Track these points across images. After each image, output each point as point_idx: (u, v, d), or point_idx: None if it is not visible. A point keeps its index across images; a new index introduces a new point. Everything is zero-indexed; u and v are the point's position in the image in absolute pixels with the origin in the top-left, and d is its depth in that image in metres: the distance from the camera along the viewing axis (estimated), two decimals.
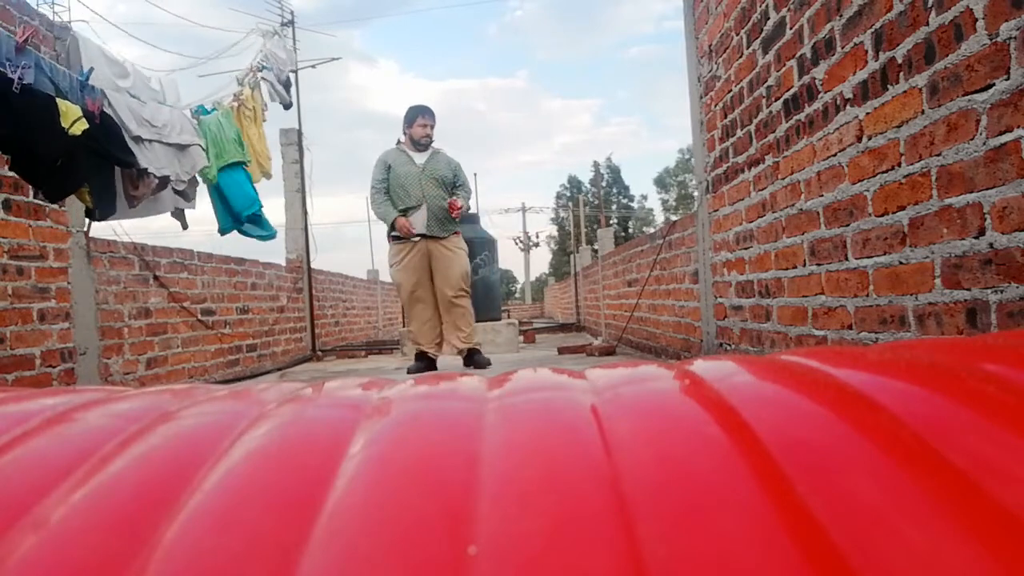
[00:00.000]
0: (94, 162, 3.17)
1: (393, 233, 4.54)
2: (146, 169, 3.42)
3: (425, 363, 4.62)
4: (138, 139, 3.40)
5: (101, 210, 3.32)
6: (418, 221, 4.47)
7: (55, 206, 3.56)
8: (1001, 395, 0.33)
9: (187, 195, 4.18)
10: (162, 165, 3.58)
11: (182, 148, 3.82)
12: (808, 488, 0.28)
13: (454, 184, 4.63)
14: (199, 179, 4.28)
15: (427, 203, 4.47)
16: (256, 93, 5.26)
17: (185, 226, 4.47)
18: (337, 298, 9.28)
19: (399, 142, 4.67)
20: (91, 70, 3.29)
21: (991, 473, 0.28)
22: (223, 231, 4.81)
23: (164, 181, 3.63)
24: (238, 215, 4.78)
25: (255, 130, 5.13)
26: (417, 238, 4.47)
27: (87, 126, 2.92)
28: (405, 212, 4.47)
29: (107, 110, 3.20)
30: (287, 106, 5.82)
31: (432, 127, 4.61)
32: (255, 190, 4.96)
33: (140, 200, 3.57)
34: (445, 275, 4.52)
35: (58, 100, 2.85)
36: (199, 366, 5.18)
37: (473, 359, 4.60)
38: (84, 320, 3.88)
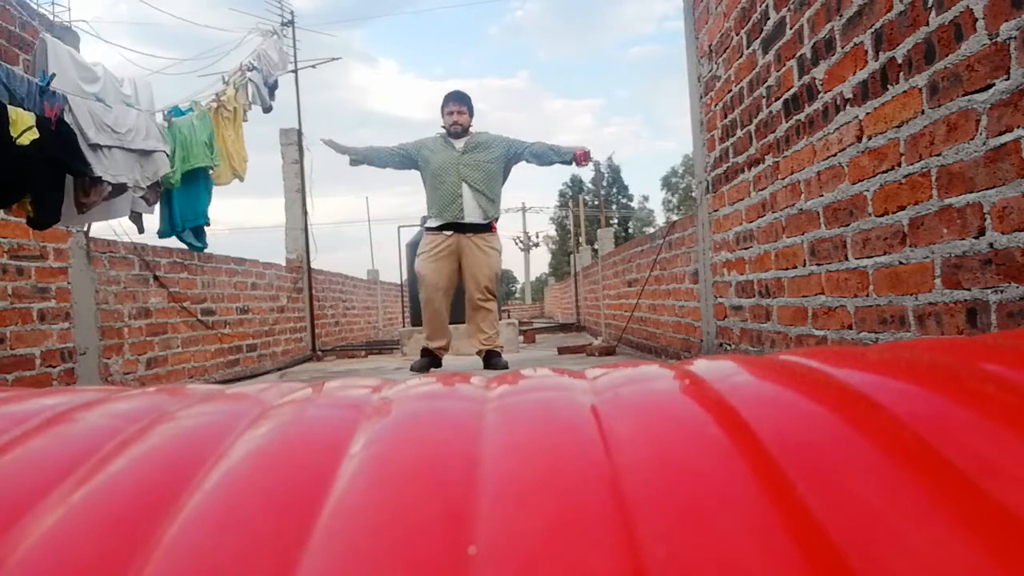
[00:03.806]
0: (42, 171, 3.07)
1: (427, 225, 4.40)
2: (100, 177, 3.35)
3: (429, 360, 4.44)
4: (96, 146, 3.29)
5: (43, 220, 3.22)
6: (454, 209, 4.24)
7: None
8: (1001, 395, 0.33)
9: (148, 200, 4.11)
10: (119, 172, 3.49)
11: (145, 154, 3.75)
12: (808, 488, 0.28)
13: (518, 155, 4.41)
14: (162, 184, 4.22)
15: (465, 190, 4.23)
16: (240, 93, 5.21)
17: (141, 230, 4.38)
18: (337, 298, 9.28)
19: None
20: (53, 75, 3.22)
21: (991, 473, 0.28)
22: (162, 235, 4.73)
23: (119, 188, 3.56)
24: (179, 224, 4.70)
25: (232, 131, 5.04)
26: (450, 232, 4.27)
27: (37, 136, 2.82)
28: (441, 206, 4.26)
29: (66, 116, 3.10)
30: (267, 110, 5.77)
31: (462, 113, 4.38)
32: (209, 200, 4.84)
33: (90, 207, 3.50)
34: (474, 275, 4.29)
35: (9, 108, 2.76)
36: (199, 366, 5.18)
37: (491, 361, 4.40)
38: (84, 320, 3.88)
